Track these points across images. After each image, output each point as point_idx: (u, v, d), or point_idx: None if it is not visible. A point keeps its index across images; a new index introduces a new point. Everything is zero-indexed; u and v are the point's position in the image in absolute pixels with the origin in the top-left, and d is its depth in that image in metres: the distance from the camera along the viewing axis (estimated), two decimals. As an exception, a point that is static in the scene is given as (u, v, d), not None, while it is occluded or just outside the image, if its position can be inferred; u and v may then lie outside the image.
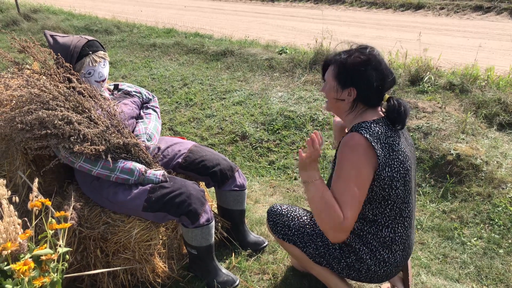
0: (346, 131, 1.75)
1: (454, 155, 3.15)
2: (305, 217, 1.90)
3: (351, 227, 1.59)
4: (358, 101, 1.66)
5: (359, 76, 1.62)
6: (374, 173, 1.59)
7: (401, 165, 1.62)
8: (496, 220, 2.66)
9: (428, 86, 4.18)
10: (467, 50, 6.36)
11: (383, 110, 1.72)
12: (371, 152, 1.57)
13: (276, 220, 1.93)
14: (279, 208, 1.96)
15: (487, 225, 2.66)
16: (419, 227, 2.69)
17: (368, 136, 1.57)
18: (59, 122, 1.88)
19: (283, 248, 1.96)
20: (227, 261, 2.34)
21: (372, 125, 1.61)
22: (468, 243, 2.52)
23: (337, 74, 1.67)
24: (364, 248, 1.70)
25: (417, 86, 4.24)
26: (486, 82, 4.13)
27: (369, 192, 1.62)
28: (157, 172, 2.05)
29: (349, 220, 1.57)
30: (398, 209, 1.66)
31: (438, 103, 3.86)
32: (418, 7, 10.71)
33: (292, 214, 1.92)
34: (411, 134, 3.50)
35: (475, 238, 2.56)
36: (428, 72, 4.33)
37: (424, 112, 3.73)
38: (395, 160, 1.61)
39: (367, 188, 1.60)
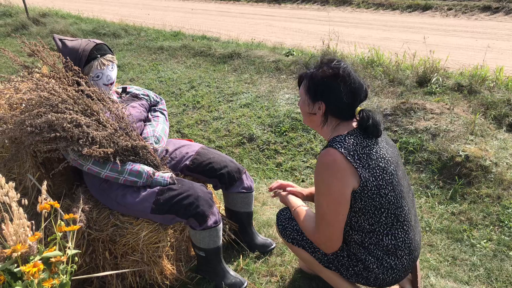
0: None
1: (463, 156, 3.12)
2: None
3: (331, 240, 1.66)
4: (329, 114, 1.67)
5: (326, 90, 1.63)
6: (359, 185, 1.57)
7: (385, 172, 1.61)
8: (506, 222, 2.64)
9: (436, 87, 4.15)
10: (475, 51, 6.32)
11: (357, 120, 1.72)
12: (348, 165, 1.56)
13: (286, 225, 1.93)
14: (289, 212, 1.96)
15: (496, 227, 2.63)
16: (427, 229, 2.68)
17: (343, 150, 1.56)
18: (68, 125, 1.90)
19: (292, 251, 1.96)
20: (235, 263, 2.34)
21: (346, 138, 1.60)
22: (478, 245, 2.50)
23: (307, 88, 1.68)
24: (370, 257, 1.69)
25: (425, 87, 4.22)
26: (495, 83, 4.10)
27: (360, 203, 1.61)
28: (165, 175, 2.06)
29: (323, 235, 1.66)
30: (393, 215, 1.65)
31: (446, 104, 3.84)
32: (426, 8, 10.67)
33: None
34: (419, 135, 3.48)
35: (485, 240, 2.53)
36: (436, 73, 4.30)
37: (432, 113, 3.70)
38: (376, 168, 1.59)
39: (342, 202, 1.59)
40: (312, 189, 2.07)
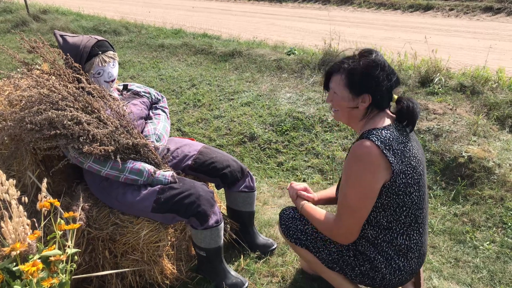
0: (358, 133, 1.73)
1: (466, 157, 3.10)
2: None
3: (351, 232, 1.64)
4: (372, 106, 1.64)
5: (371, 81, 1.60)
6: (389, 180, 1.55)
7: (415, 171, 1.59)
8: (509, 224, 2.62)
9: (439, 88, 4.13)
10: (477, 52, 6.30)
11: (392, 112, 1.69)
12: (383, 159, 1.54)
13: (289, 224, 1.90)
14: (292, 211, 1.93)
15: (499, 228, 2.62)
16: (430, 230, 2.66)
17: (379, 143, 1.54)
18: (69, 123, 1.88)
19: (295, 251, 1.93)
20: (235, 263, 2.32)
21: (383, 132, 1.58)
22: (481, 247, 2.48)
23: (349, 83, 1.63)
24: (379, 257, 1.67)
25: (427, 87, 4.20)
26: (497, 83, 4.08)
27: (383, 199, 1.59)
28: (166, 173, 2.04)
29: (344, 226, 1.64)
30: (413, 216, 1.63)
31: (449, 104, 3.82)
32: (427, 8, 10.64)
33: (305, 219, 1.88)
34: (422, 136, 3.46)
35: (488, 242, 2.51)
36: (438, 74, 4.28)
37: (434, 113, 3.68)
38: (408, 166, 1.58)
39: (370, 196, 1.57)
40: (322, 194, 2.05)
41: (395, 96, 1.66)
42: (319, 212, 1.79)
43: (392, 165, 1.53)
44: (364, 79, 1.60)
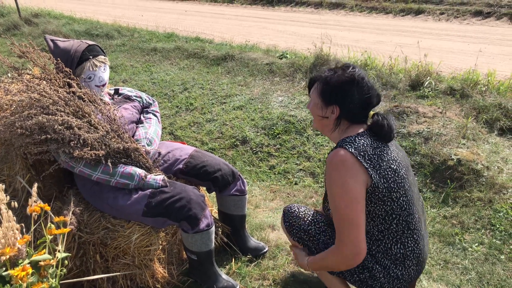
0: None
1: (455, 160, 3.14)
2: (322, 223, 1.84)
3: (356, 245, 1.54)
4: (342, 118, 1.65)
5: (341, 94, 1.62)
6: (369, 187, 1.55)
7: (396, 174, 1.59)
8: (498, 226, 2.65)
9: (429, 91, 4.17)
10: (467, 55, 6.37)
11: (368, 124, 1.70)
12: (358, 166, 1.53)
13: (293, 222, 1.89)
14: (297, 210, 1.92)
15: (488, 230, 2.65)
16: (420, 232, 2.68)
17: (353, 150, 1.54)
18: (59, 127, 1.88)
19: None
20: (227, 267, 2.33)
21: (356, 139, 1.59)
22: (469, 249, 2.51)
23: (321, 91, 1.67)
24: (378, 266, 1.66)
25: (417, 91, 4.24)
26: (486, 87, 4.13)
27: (370, 206, 1.58)
28: (157, 177, 2.04)
29: (347, 240, 1.55)
30: (404, 222, 1.62)
31: (439, 108, 3.86)
32: (418, 12, 10.73)
33: (309, 219, 1.87)
34: (411, 139, 3.49)
35: (476, 244, 2.54)
36: (429, 77, 4.33)
37: (424, 117, 3.72)
38: (388, 170, 1.57)
39: (358, 200, 1.53)
40: None
41: (371, 113, 1.67)
42: (322, 253, 1.72)
43: (368, 170, 1.53)
44: (334, 91, 1.63)
